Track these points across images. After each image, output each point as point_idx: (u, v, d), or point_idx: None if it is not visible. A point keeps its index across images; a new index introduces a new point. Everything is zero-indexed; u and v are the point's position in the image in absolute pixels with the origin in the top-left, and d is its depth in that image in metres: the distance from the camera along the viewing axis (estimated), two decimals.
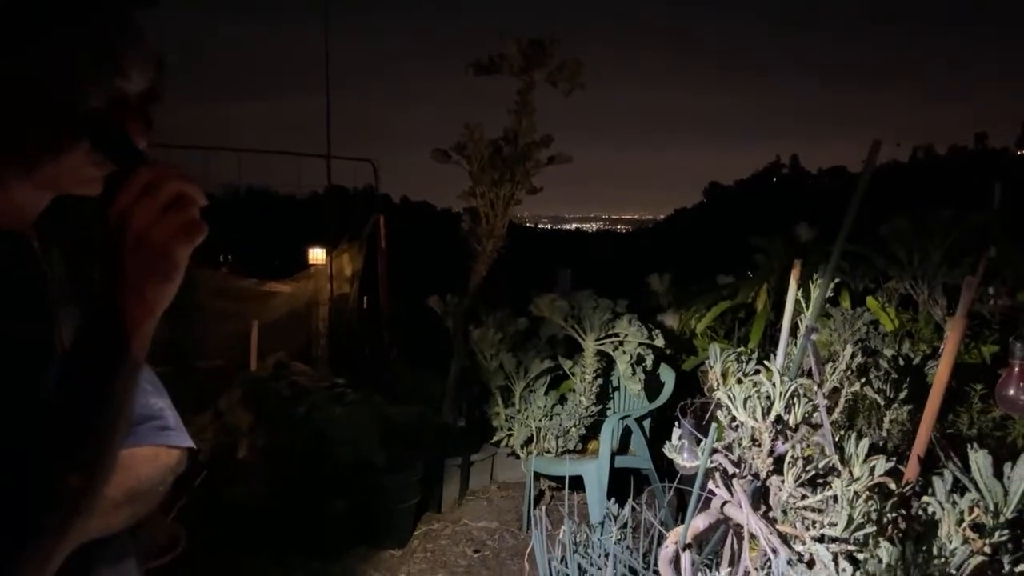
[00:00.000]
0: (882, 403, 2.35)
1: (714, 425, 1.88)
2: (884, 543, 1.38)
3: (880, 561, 1.28)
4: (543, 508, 2.69)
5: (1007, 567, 1.50)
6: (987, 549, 1.48)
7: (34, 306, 0.84)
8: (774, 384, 1.84)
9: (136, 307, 0.74)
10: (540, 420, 4.29)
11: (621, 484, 3.42)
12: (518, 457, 4.42)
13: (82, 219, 0.86)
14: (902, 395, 2.38)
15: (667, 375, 4.38)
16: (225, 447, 3.72)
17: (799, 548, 1.66)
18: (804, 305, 2.10)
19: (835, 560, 1.40)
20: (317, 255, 6.02)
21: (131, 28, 0.80)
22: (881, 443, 2.29)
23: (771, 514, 1.81)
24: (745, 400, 1.88)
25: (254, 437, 3.70)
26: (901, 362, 2.53)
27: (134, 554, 1.09)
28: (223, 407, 3.77)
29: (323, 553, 3.70)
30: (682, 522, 1.90)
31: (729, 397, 1.89)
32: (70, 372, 0.74)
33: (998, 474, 1.53)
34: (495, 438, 4.48)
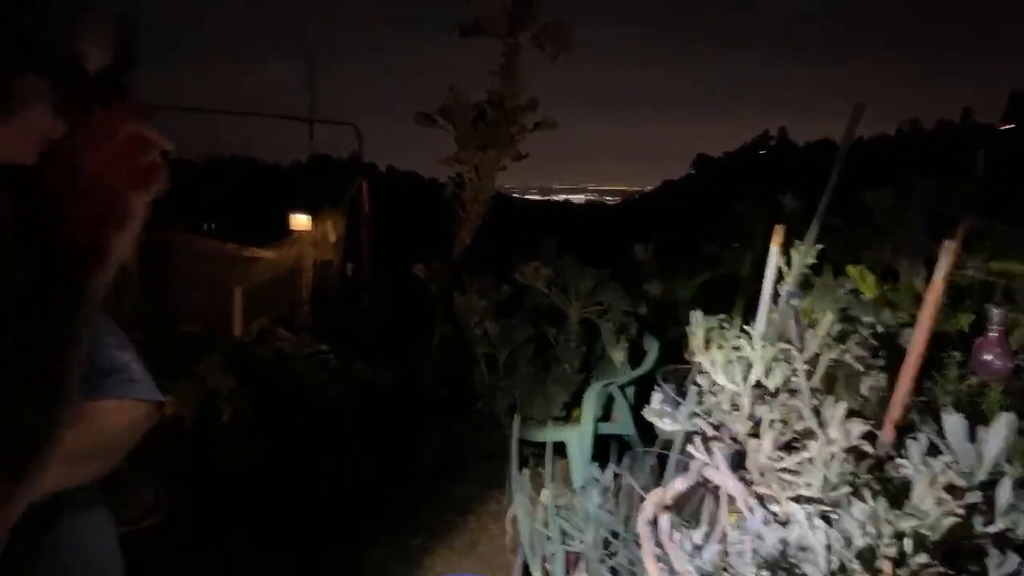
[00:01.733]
0: (861, 369, 2.36)
1: (694, 389, 1.88)
2: (857, 502, 1.39)
3: (853, 517, 1.29)
4: (526, 474, 2.71)
5: (979, 529, 1.52)
6: (960, 511, 1.49)
7: None
8: (754, 349, 1.84)
9: (87, 254, 0.70)
10: (523, 387, 4.30)
11: (603, 451, 3.44)
12: (501, 424, 4.44)
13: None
14: (880, 362, 2.39)
15: (651, 343, 4.39)
16: (208, 413, 3.71)
17: (775, 508, 1.68)
18: (785, 271, 2.10)
19: (809, 519, 1.42)
20: (300, 221, 5.95)
21: None
22: (859, 409, 2.30)
23: (748, 476, 1.82)
24: (725, 364, 1.88)
25: (236, 402, 3.69)
26: (880, 329, 2.54)
27: (104, 506, 1.07)
28: (203, 372, 3.75)
29: (301, 517, 3.71)
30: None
31: (710, 362, 1.89)
32: (19, 320, 0.69)
33: (972, 438, 1.54)
34: (478, 405, 4.49)
